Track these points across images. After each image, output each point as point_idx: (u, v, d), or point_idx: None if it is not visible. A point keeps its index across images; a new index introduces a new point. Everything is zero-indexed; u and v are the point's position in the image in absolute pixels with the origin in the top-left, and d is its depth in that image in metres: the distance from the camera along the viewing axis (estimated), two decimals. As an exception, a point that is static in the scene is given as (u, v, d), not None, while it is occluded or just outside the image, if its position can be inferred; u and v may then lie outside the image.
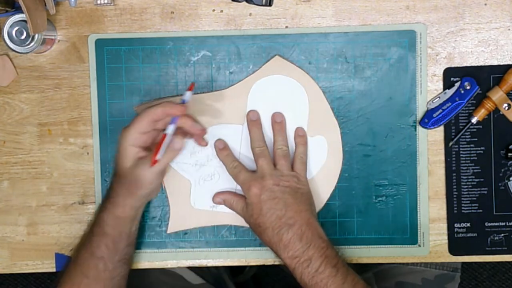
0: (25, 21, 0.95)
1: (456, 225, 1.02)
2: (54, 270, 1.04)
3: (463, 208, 1.02)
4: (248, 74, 1.01)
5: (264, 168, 0.96)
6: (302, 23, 1.01)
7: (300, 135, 1.00)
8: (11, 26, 0.97)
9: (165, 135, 0.91)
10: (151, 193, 0.95)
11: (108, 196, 0.94)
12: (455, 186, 1.01)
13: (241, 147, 1.01)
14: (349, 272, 0.92)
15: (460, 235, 1.02)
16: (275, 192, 0.94)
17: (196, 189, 1.01)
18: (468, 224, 1.02)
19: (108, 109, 1.02)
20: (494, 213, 1.01)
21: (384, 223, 1.02)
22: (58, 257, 1.03)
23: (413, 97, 1.01)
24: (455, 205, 1.02)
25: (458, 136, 1.00)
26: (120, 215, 0.93)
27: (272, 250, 0.95)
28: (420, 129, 1.01)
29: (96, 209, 0.98)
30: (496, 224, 1.01)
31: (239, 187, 0.99)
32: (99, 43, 1.01)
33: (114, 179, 0.94)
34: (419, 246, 1.02)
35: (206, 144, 0.99)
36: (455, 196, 1.01)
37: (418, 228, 1.02)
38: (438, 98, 1.00)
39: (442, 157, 1.01)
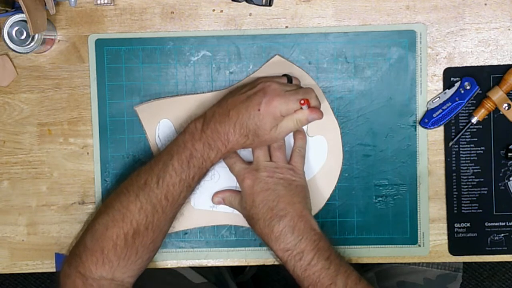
0: (25, 21, 0.96)
1: (456, 225, 1.02)
2: (54, 270, 1.04)
3: (463, 208, 1.02)
4: (248, 74, 1.01)
5: (260, 159, 0.96)
6: (302, 23, 1.01)
7: (299, 130, 1.00)
8: (11, 26, 0.97)
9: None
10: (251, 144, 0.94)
11: (217, 139, 0.92)
12: (455, 186, 1.01)
13: None
14: (342, 264, 0.92)
15: (460, 235, 1.02)
16: (268, 184, 0.95)
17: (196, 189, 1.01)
18: (468, 224, 1.02)
19: (108, 109, 1.02)
20: (494, 213, 1.01)
21: (384, 223, 1.02)
22: (58, 257, 1.03)
23: (413, 97, 1.01)
24: (455, 205, 1.02)
25: (458, 136, 1.00)
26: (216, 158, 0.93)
27: (264, 243, 0.95)
28: (420, 129, 1.01)
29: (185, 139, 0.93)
30: (496, 224, 1.01)
31: (239, 185, 0.99)
32: (99, 43, 1.01)
33: (234, 128, 0.92)
34: (419, 246, 1.02)
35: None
36: (455, 196, 1.01)
37: (418, 228, 1.02)
38: (438, 98, 1.00)
39: (442, 157, 1.01)
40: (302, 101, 0.91)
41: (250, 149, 0.98)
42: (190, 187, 0.93)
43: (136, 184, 0.92)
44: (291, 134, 1.00)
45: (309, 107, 0.92)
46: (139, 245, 0.91)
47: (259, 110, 0.91)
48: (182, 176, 0.91)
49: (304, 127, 1.01)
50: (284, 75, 0.99)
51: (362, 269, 1.14)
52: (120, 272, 0.91)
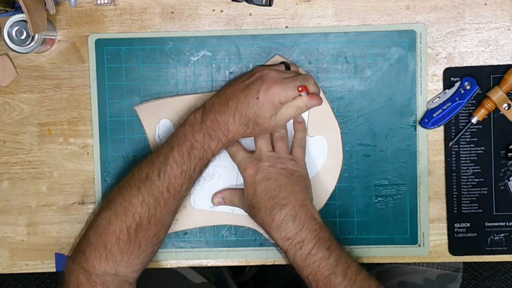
0: (25, 21, 0.96)
1: (456, 225, 1.02)
2: (54, 270, 1.04)
3: (463, 208, 1.02)
4: (248, 74, 1.01)
5: (262, 149, 0.97)
6: (302, 23, 1.01)
7: (299, 121, 1.00)
8: (11, 26, 0.97)
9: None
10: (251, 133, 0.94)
11: (217, 129, 0.92)
12: (455, 186, 1.01)
13: (241, 141, 1.01)
14: (343, 254, 0.92)
15: (460, 235, 1.02)
16: (270, 174, 0.95)
17: (196, 189, 1.01)
18: (468, 224, 1.02)
19: (108, 109, 1.02)
20: (494, 213, 1.01)
21: (384, 223, 1.02)
22: (58, 257, 1.03)
23: (413, 97, 1.01)
24: (455, 205, 1.02)
25: (458, 136, 1.00)
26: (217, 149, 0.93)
27: (265, 232, 0.95)
28: (420, 129, 1.01)
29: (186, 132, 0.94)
30: (496, 224, 1.01)
31: (239, 183, 1.00)
32: (99, 43, 1.01)
33: (234, 118, 0.92)
34: (419, 246, 1.02)
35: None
36: (455, 196, 1.01)
37: (418, 228, 1.02)
38: (438, 98, 1.00)
39: (442, 157, 1.01)
40: (300, 88, 0.91)
41: (252, 138, 0.98)
42: (192, 179, 0.93)
43: (137, 178, 0.92)
44: (292, 126, 1.00)
45: (308, 93, 0.92)
46: (142, 238, 0.91)
47: (257, 98, 0.91)
48: (183, 168, 0.91)
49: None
50: (282, 62, 0.99)
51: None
52: (124, 267, 0.91)
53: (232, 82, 0.97)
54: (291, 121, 1.00)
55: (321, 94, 1.01)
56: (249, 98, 0.91)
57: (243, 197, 0.97)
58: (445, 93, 1.00)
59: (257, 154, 0.97)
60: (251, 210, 0.95)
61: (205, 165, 0.94)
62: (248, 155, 0.97)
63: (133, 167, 0.95)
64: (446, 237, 1.02)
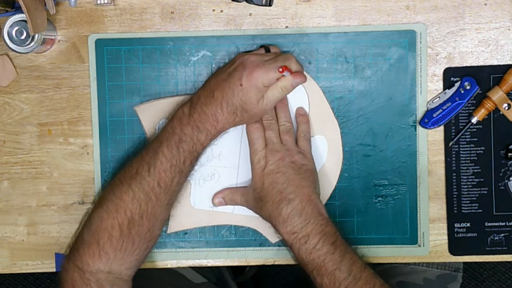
0: (25, 21, 0.96)
1: (456, 225, 1.02)
2: (54, 270, 1.04)
3: (463, 208, 1.02)
4: (248, 74, 1.01)
5: (272, 141, 0.96)
6: (302, 23, 1.01)
7: (302, 114, 1.00)
8: (11, 26, 0.97)
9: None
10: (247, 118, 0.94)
11: (205, 121, 0.92)
12: (455, 186, 1.01)
13: (242, 141, 1.01)
14: (348, 251, 0.91)
15: (460, 235, 1.02)
16: (279, 167, 0.95)
17: (196, 189, 1.01)
18: (468, 224, 1.02)
19: (108, 109, 1.02)
20: (494, 213, 1.01)
21: (384, 223, 1.02)
22: (58, 257, 1.03)
23: (413, 97, 1.01)
24: (455, 205, 1.02)
25: (458, 136, 1.00)
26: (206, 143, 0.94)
27: (271, 225, 0.95)
28: (420, 129, 1.01)
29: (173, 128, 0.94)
30: (496, 224, 1.01)
31: (239, 182, 1.00)
32: (99, 43, 1.01)
33: (221, 108, 0.92)
34: (419, 246, 1.02)
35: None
36: (455, 196, 1.01)
37: (418, 228, 1.02)
38: (438, 98, 1.00)
39: (442, 157, 1.01)
40: (281, 69, 0.91)
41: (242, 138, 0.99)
42: (183, 172, 0.93)
43: (128, 175, 0.92)
44: (295, 119, 1.01)
45: (291, 73, 0.92)
46: (135, 235, 0.91)
47: (241, 85, 0.91)
48: (173, 162, 0.92)
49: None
50: (262, 46, 0.99)
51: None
52: (117, 264, 0.91)
53: (215, 73, 0.97)
54: (294, 114, 1.00)
55: (321, 94, 1.01)
56: (233, 86, 0.91)
57: (246, 193, 0.98)
58: (445, 93, 1.00)
59: (268, 146, 0.97)
60: (258, 202, 0.95)
61: (195, 158, 0.94)
62: (264, 145, 0.97)
63: (125, 165, 0.95)
64: (446, 237, 1.02)
